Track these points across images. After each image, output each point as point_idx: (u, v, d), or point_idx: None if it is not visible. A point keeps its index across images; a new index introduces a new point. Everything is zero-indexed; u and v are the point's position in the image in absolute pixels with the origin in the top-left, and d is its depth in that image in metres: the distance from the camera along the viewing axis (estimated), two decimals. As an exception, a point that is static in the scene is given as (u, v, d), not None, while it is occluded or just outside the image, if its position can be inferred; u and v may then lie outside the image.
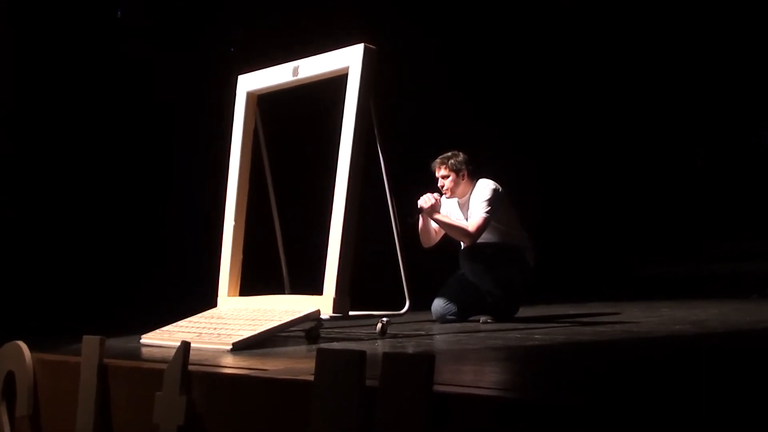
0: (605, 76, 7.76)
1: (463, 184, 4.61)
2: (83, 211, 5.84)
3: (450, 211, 4.68)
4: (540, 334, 3.65)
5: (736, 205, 7.46)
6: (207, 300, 4.20)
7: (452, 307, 4.62)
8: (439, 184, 4.63)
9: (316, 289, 3.67)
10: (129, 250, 6.00)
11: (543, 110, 7.72)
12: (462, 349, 3.22)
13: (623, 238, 7.76)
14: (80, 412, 2.85)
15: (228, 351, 3.23)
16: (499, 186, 4.57)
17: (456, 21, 7.40)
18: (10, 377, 3.19)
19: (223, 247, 4.26)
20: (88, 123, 5.97)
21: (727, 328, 3.65)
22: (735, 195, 7.58)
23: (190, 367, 2.56)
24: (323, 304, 3.58)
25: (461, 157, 4.62)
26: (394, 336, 3.77)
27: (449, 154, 4.63)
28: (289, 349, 3.42)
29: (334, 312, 3.56)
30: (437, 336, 3.89)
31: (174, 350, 2.57)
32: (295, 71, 4.09)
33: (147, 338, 3.68)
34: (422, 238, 4.68)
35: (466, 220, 4.56)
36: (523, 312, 4.68)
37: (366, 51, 3.75)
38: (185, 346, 2.55)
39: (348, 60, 3.81)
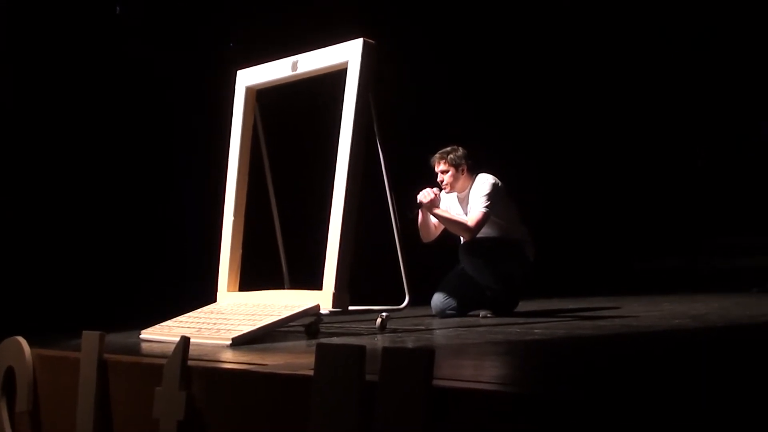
0: (605, 75, 7.75)
1: (463, 179, 4.61)
2: (83, 209, 5.85)
3: (449, 206, 4.68)
4: (540, 329, 3.65)
5: (737, 200, 7.46)
6: (206, 295, 4.20)
7: (452, 302, 4.62)
8: (438, 179, 4.63)
9: (316, 284, 3.67)
10: (128, 246, 6.01)
11: (543, 109, 7.71)
12: (462, 344, 3.22)
13: (623, 232, 7.76)
14: (80, 408, 2.85)
15: (228, 346, 3.23)
16: (498, 180, 4.56)
17: (456, 21, 7.39)
18: (10, 373, 3.19)
19: (223, 242, 4.25)
20: (88, 122, 5.97)
21: (727, 322, 3.65)
22: (735, 189, 7.57)
23: (190, 363, 2.56)
24: (323, 299, 3.58)
25: (461, 151, 4.62)
26: (394, 331, 3.77)
27: (449, 148, 4.63)
28: (289, 344, 3.42)
29: (333, 307, 3.56)
30: (437, 331, 3.90)
31: (174, 345, 2.57)
32: (295, 66, 4.09)
33: (146, 334, 3.68)
34: (422, 233, 4.68)
35: (466, 214, 4.55)
36: (523, 306, 4.68)
37: (365, 45, 3.75)
38: (185, 341, 2.55)
39: (347, 54, 3.80)
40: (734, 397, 1.79)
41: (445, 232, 4.66)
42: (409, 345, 3.24)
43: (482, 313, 4.46)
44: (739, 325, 3.56)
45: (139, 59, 6.19)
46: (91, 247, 5.81)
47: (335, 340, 3.43)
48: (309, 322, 3.63)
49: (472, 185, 4.58)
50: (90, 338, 2.89)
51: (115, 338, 3.52)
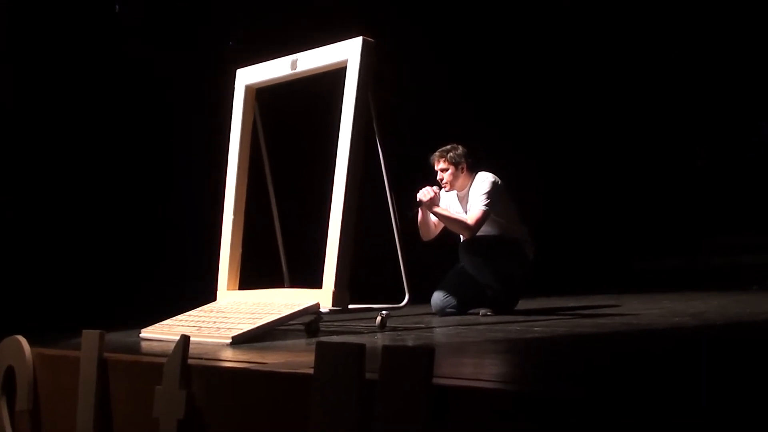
0: (605, 75, 7.75)
1: (463, 177, 4.61)
2: (83, 208, 5.84)
3: (449, 205, 4.68)
4: (540, 327, 3.65)
5: (737, 199, 7.46)
6: (206, 294, 4.20)
7: (452, 300, 4.62)
8: (438, 177, 4.63)
9: (316, 283, 3.67)
10: (128, 245, 6.00)
11: (543, 109, 7.71)
12: (462, 342, 3.22)
13: (623, 230, 7.76)
14: (80, 407, 2.85)
15: (228, 345, 3.23)
16: (498, 179, 4.56)
17: (456, 21, 7.39)
18: (10, 372, 3.19)
19: (223, 241, 4.26)
20: (88, 122, 5.96)
21: (726, 319, 3.65)
22: (735, 189, 7.57)
23: (190, 361, 2.56)
24: (323, 297, 3.58)
25: (460, 150, 4.61)
26: (394, 329, 3.77)
27: (448, 147, 4.62)
28: (289, 342, 3.42)
29: (333, 305, 3.57)
30: (437, 329, 3.89)
31: (173, 344, 2.57)
32: (294, 64, 4.09)
33: (146, 332, 3.68)
34: (421, 232, 4.68)
35: (466, 213, 4.55)
36: (523, 305, 4.68)
37: (364, 44, 3.75)
38: (185, 340, 2.55)
39: (346, 53, 3.81)
40: (734, 396, 1.79)
41: (444, 230, 4.66)
42: (409, 343, 3.24)
43: (482, 311, 4.46)
44: (738, 322, 3.56)
45: (139, 59, 6.18)
46: (91, 246, 5.80)
47: (335, 338, 3.43)
48: (309, 320, 3.63)
49: (471, 183, 4.57)
50: (90, 337, 2.89)
51: (115, 337, 3.52)
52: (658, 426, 1.61)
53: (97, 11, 6.18)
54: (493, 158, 4.92)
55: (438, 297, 4.64)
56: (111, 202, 6.00)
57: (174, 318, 3.79)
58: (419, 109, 7.00)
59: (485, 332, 3.58)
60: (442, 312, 4.60)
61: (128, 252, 5.97)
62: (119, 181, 6.06)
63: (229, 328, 3.39)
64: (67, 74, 5.87)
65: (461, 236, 4.55)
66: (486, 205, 4.45)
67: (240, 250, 4.24)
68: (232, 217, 4.24)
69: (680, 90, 7.73)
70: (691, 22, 7.61)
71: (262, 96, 4.38)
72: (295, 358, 2.80)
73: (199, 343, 3.10)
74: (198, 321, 3.69)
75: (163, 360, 2.59)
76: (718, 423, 1.56)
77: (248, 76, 4.33)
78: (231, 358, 2.87)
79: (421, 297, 4.30)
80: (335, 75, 3.88)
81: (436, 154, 4.63)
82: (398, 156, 4.17)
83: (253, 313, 3.59)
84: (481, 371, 2.43)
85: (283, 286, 4.27)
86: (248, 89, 4.33)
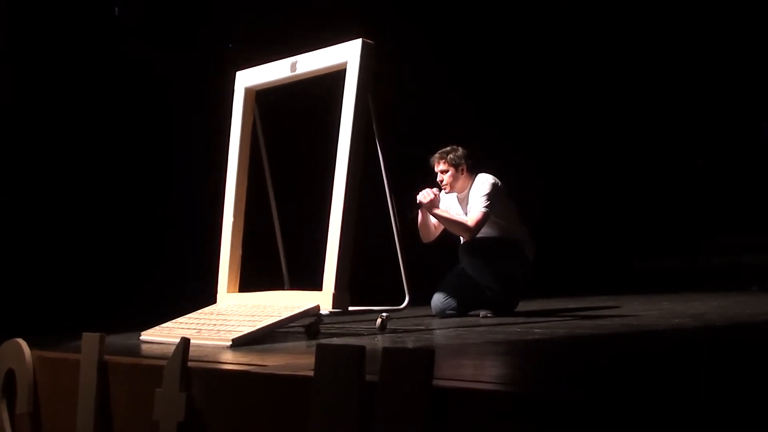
0: (605, 75, 7.75)
1: (463, 179, 4.61)
2: (83, 209, 5.84)
3: (449, 206, 4.68)
4: (540, 328, 3.65)
5: (736, 200, 7.45)
6: (206, 296, 4.20)
7: (452, 302, 4.62)
8: (438, 179, 4.63)
9: (316, 285, 3.67)
10: (128, 246, 6.00)
11: (543, 109, 7.71)
12: (462, 344, 3.22)
13: (623, 232, 7.75)
14: (80, 409, 2.85)
15: (228, 347, 3.23)
16: (498, 180, 4.56)
17: (456, 21, 7.39)
18: (10, 375, 3.19)
19: (223, 243, 4.26)
20: (88, 122, 5.96)
21: (726, 320, 3.65)
22: (735, 188, 7.57)
23: (190, 364, 2.56)
24: (323, 299, 3.58)
25: (460, 151, 4.61)
26: (394, 331, 3.77)
27: (448, 148, 4.62)
28: (289, 344, 3.42)
29: (333, 307, 3.57)
30: (437, 331, 3.90)
31: (174, 347, 2.57)
32: (294, 67, 4.09)
33: (146, 335, 3.68)
34: (421, 233, 4.68)
35: (466, 214, 4.55)
36: (523, 306, 4.68)
37: (364, 46, 3.75)
38: (185, 342, 2.55)
39: (346, 55, 3.81)
40: (734, 397, 1.79)
41: (444, 232, 4.66)
42: (409, 345, 3.24)
43: (482, 313, 4.46)
44: (738, 323, 3.56)
45: (138, 59, 6.18)
46: (91, 247, 5.80)
47: (335, 340, 3.43)
48: (309, 322, 3.63)
49: (471, 185, 4.57)
50: (90, 340, 2.89)
51: (115, 339, 3.51)
52: (658, 427, 1.61)
53: (97, 11, 6.18)
54: (493, 158, 4.92)
55: (438, 299, 4.64)
56: (111, 202, 6.00)
57: (174, 321, 3.79)
58: (419, 109, 6.99)
59: (485, 334, 3.58)
60: (442, 314, 4.60)
61: (128, 252, 5.97)
62: (119, 181, 6.06)
63: (229, 331, 3.39)
64: (67, 74, 5.87)
65: (461, 238, 4.55)
66: (486, 206, 4.45)
67: (240, 251, 4.24)
68: (232, 218, 4.24)
69: (680, 90, 7.72)
70: (690, 23, 7.61)
71: (261, 98, 4.38)
72: (295, 360, 2.80)
73: (199, 346, 3.10)
74: (198, 323, 3.69)
75: (163, 362, 2.59)
76: (718, 423, 1.56)
77: (248, 79, 4.34)
78: (231, 361, 2.87)
79: (421, 299, 4.30)
80: (335, 76, 3.89)
81: (436, 155, 4.63)
82: (398, 156, 4.17)
83: (253, 316, 3.58)
84: (481, 373, 2.43)
85: (283, 288, 4.27)
86: (248, 91, 4.33)
